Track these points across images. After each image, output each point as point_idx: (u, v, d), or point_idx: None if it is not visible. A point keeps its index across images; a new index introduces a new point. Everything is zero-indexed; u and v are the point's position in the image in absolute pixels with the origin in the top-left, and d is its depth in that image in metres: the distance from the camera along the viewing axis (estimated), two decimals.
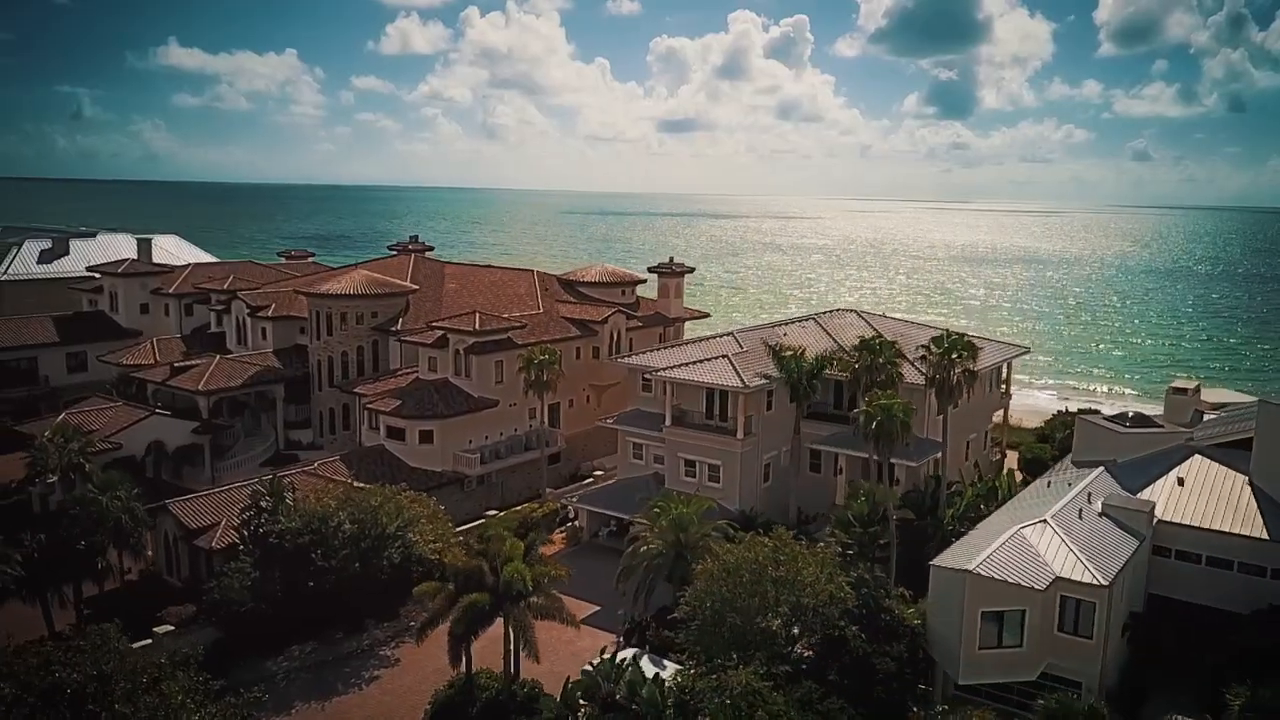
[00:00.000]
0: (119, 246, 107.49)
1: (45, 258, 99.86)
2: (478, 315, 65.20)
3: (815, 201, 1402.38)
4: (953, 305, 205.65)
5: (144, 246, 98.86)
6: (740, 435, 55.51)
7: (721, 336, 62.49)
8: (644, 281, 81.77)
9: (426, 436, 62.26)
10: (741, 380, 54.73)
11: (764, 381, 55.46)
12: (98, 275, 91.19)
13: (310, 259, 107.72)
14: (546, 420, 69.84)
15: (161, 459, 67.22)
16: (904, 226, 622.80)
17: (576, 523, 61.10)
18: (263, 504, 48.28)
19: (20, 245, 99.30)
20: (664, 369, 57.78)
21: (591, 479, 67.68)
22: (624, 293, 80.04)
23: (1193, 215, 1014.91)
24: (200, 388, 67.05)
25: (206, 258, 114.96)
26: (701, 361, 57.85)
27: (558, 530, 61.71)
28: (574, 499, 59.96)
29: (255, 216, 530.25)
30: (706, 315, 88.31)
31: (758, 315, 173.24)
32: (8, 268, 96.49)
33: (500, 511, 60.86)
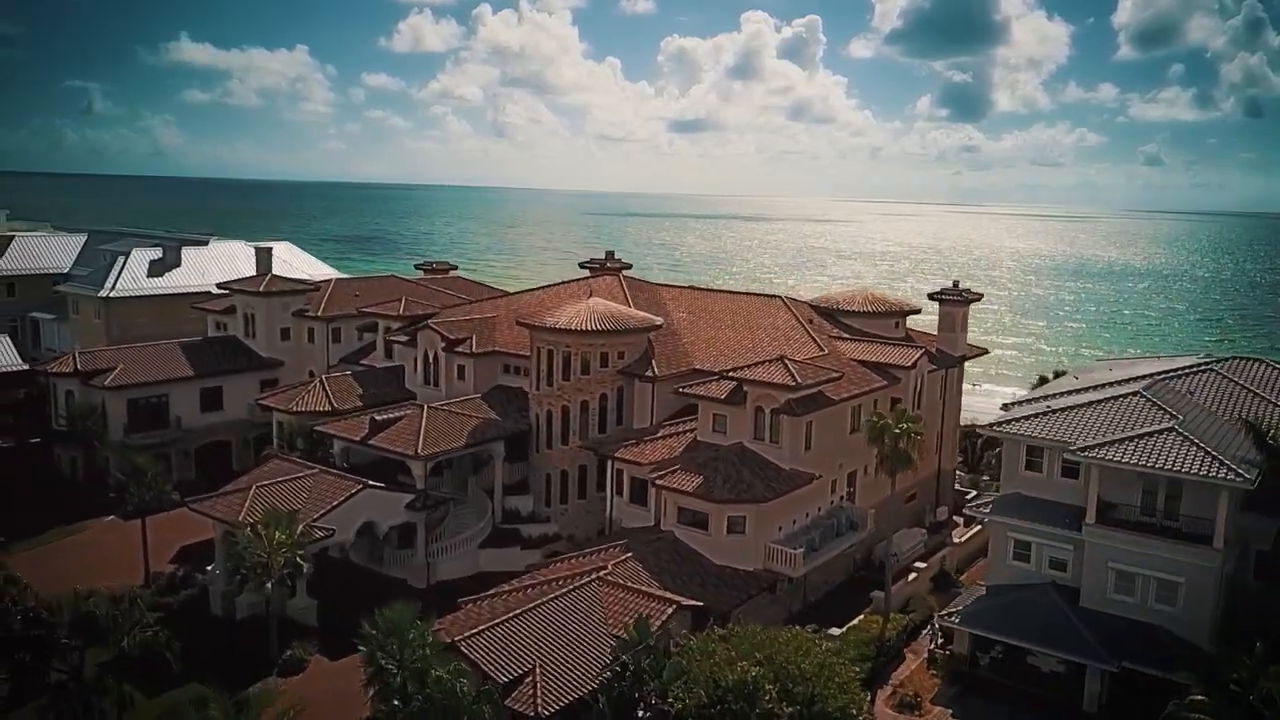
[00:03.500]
0: (234, 255, 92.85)
1: (156, 269, 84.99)
2: (787, 363, 50.05)
3: (827, 203, 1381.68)
4: (1114, 328, 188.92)
5: (263, 256, 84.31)
6: (1220, 544, 40.39)
7: (1128, 395, 47.10)
8: (918, 311, 66.62)
9: (737, 524, 47.16)
10: (1232, 469, 39.53)
11: (1253, 472, 40.26)
12: (229, 292, 76.43)
13: (452, 272, 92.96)
14: (846, 493, 55.17)
15: (359, 543, 52.50)
16: (946, 230, 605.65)
17: (943, 648, 45.96)
18: (624, 659, 33.24)
19: (127, 255, 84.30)
20: (1091, 447, 42.56)
21: (914, 574, 52.65)
22: (896, 324, 64.95)
23: (1215, 221, 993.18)
24: (420, 451, 51.98)
25: (324, 268, 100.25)
26: (1140, 437, 42.59)
27: (906, 648, 47.03)
28: (953, 618, 44.74)
29: (279, 214, 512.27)
30: (986, 352, 73.20)
31: None
32: (115, 282, 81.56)
33: (839, 629, 45.81)
